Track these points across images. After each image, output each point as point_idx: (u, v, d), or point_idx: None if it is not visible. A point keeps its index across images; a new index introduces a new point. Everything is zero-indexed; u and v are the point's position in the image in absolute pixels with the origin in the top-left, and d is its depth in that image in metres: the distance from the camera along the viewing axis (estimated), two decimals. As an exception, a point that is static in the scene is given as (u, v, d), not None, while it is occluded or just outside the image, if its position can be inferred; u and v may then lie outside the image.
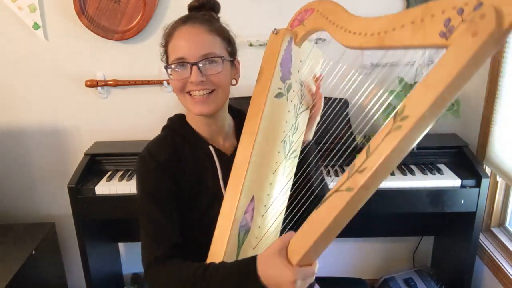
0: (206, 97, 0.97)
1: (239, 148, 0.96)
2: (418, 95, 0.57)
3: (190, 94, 0.98)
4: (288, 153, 0.97)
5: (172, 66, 0.97)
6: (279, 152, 0.96)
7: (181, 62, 0.96)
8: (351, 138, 1.70)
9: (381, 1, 1.84)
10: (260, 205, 0.92)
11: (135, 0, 1.77)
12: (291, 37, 1.01)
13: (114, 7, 1.77)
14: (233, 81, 1.05)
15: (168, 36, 1.00)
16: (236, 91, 1.68)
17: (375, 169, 0.60)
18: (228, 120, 1.11)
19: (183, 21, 0.98)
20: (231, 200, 0.91)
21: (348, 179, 0.64)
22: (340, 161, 1.74)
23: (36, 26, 1.83)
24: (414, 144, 0.60)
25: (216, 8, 1.06)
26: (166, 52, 1.01)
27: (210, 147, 1.05)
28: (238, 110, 1.16)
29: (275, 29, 1.01)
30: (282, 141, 0.97)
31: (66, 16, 1.81)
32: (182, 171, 1.02)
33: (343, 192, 0.64)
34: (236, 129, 1.12)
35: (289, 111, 0.98)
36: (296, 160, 1.00)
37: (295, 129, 0.98)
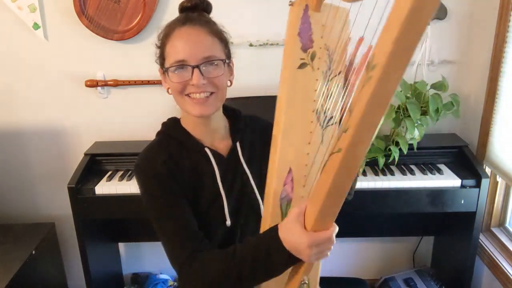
0: (206, 99, 0.97)
1: (274, 124, 0.96)
2: (381, 40, 0.56)
3: (189, 96, 0.98)
4: (324, 121, 0.95)
5: (172, 68, 0.96)
6: (312, 121, 0.95)
7: (182, 65, 0.95)
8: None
9: (381, 1, 1.84)
10: (299, 176, 0.92)
11: (135, 0, 1.77)
12: (306, 4, 0.97)
13: (114, 7, 1.77)
14: (228, 83, 1.05)
15: (166, 37, 0.98)
16: (236, 92, 1.68)
17: (357, 126, 0.60)
18: (222, 121, 1.10)
19: (182, 22, 0.97)
20: (270, 174, 0.93)
21: (338, 140, 0.65)
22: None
23: (36, 26, 1.83)
24: (392, 94, 0.59)
25: (208, 9, 1.05)
26: (162, 54, 1.00)
27: (206, 149, 1.05)
28: (233, 110, 1.15)
29: (290, 0, 1.00)
30: (314, 111, 0.95)
31: (66, 16, 1.81)
32: (181, 174, 1.01)
33: (335, 153, 0.65)
34: (231, 130, 1.12)
35: (317, 80, 0.95)
36: (337, 126, 0.96)
37: (328, 96, 0.96)
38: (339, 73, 0.97)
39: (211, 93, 0.98)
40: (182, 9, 1.03)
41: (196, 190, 1.03)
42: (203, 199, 1.03)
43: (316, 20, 0.97)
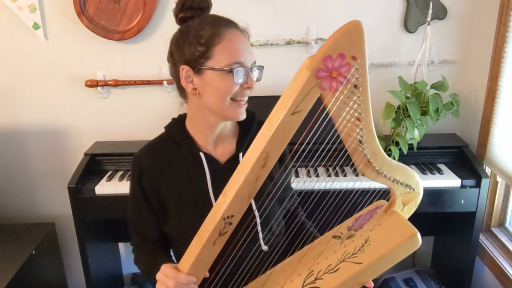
0: (246, 103, 1.00)
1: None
2: None
3: (235, 100, 0.97)
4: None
5: (227, 69, 0.93)
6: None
7: (240, 66, 0.94)
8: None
9: (382, 1, 1.84)
10: None
11: (135, 0, 1.77)
12: (379, 206, 1.07)
13: (114, 7, 1.77)
14: None
15: (215, 36, 0.93)
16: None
17: None
18: (231, 125, 1.09)
19: (227, 24, 0.96)
20: None
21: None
22: (341, 161, 1.74)
23: (36, 26, 1.83)
24: None
25: (206, 7, 1.00)
26: (204, 53, 0.94)
27: (201, 154, 1.03)
28: (247, 113, 1.09)
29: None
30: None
31: (66, 16, 1.81)
32: (165, 179, 1.03)
33: None
34: (240, 135, 1.09)
35: (335, 252, 0.98)
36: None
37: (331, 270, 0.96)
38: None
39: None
40: (188, 8, 0.98)
41: (182, 194, 1.03)
42: (189, 204, 1.02)
43: (377, 220, 1.02)
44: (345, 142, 0.83)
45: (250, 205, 1.05)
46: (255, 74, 0.98)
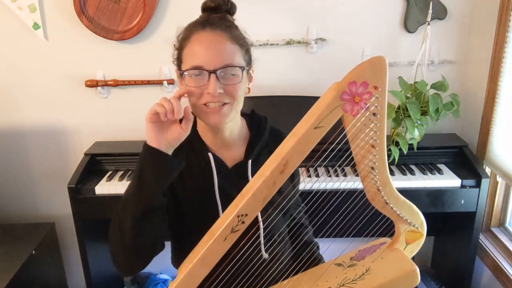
0: (220, 108, 0.93)
1: None
2: None
3: (205, 105, 0.94)
4: None
5: (188, 73, 0.92)
6: None
7: (199, 70, 0.91)
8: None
9: (382, 1, 1.84)
10: None
11: (135, 0, 1.77)
12: (384, 242, 1.09)
13: (114, 7, 1.77)
14: (246, 90, 1.01)
15: (184, 39, 0.95)
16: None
17: None
18: (239, 130, 1.06)
19: (202, 25, 0.93)
20: None
21: None
22: (341, 161, 1.74)
23: (36, 26, 1.83)
24: None
25: (232, 10, 1.01)
26: (180, 56, 0.97)
27: (210, 155, 1.02)
28: (259, 122, 1.09)
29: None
30: None
31: (66, 16, 1.81)
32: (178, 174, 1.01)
33: None
34: (250, 142, 1.06)
35: (336, 277, 1.01)
36: None
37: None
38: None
39: (226, 103, 0.94)
40: (205, 9, 0.99)
41: (188, 191, 1.02)
42: (194, 202, 1.02)
43: (379, 253, 1.07)
44: (358, 166, 0.88)
45: None
46: (223, 76, 0.91)
